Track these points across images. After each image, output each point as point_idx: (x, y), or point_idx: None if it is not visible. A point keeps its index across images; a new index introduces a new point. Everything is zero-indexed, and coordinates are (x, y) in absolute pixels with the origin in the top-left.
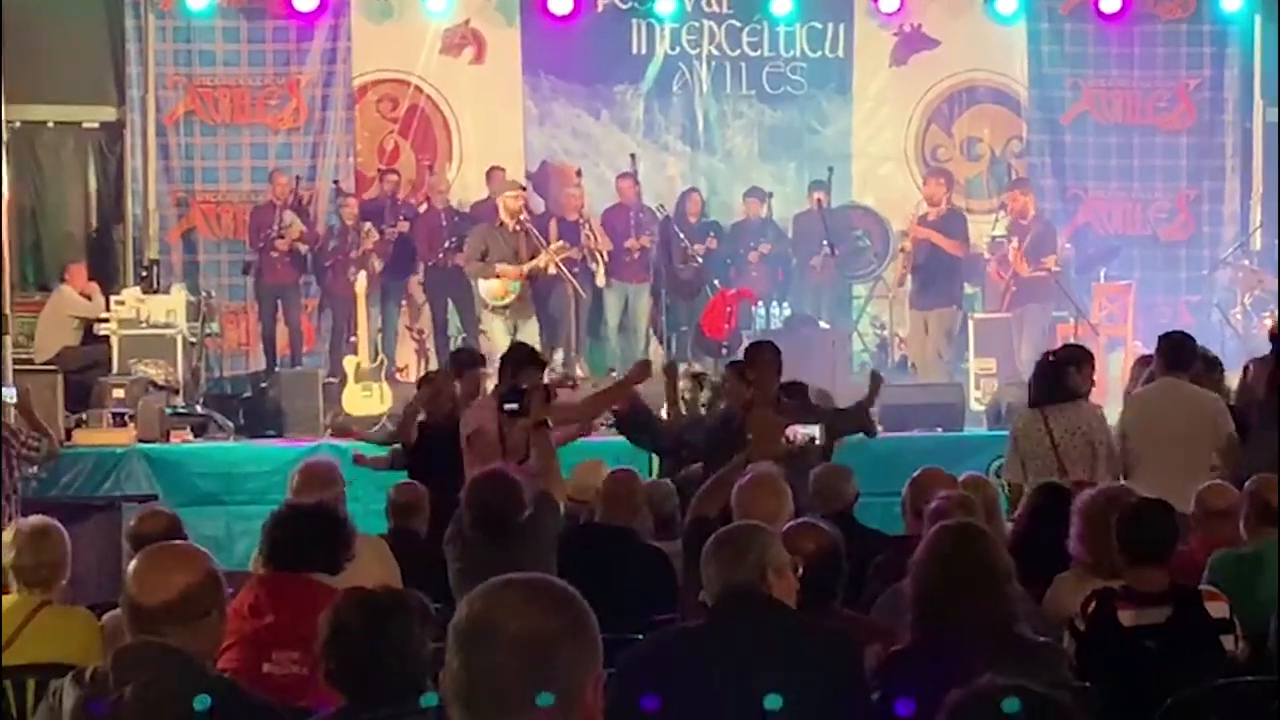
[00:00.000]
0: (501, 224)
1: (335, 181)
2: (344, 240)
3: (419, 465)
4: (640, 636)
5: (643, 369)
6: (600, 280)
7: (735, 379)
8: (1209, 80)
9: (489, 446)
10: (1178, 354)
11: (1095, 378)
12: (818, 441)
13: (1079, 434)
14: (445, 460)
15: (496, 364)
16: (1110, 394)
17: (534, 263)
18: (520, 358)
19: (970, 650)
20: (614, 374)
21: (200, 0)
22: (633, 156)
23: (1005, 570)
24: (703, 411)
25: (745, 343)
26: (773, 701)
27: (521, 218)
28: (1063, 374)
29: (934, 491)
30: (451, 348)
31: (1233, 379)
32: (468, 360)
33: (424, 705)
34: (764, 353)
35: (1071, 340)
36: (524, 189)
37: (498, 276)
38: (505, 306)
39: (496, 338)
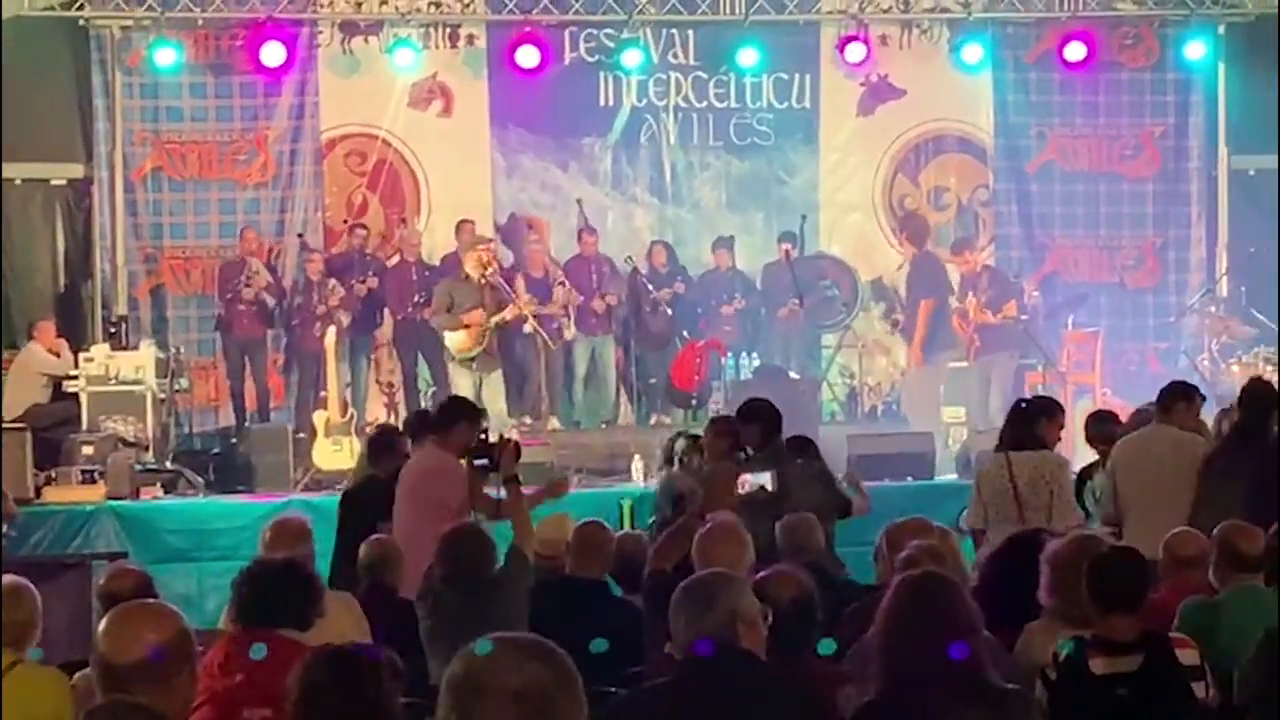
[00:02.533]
0: (467, 277)
1: (300, 235)
2: (310, 296)
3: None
4: (613, 690)
5: (560, 486)
6: (569, 333)
7: (714, 436)
8: (1173, 128)
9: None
10: (1159, 398)
11: (1064, 429)
12: (769, 489)
13: (1042, 482)
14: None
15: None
16: (1079, 442)
17: (502, 316)
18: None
19: (938, 699)
20: (581, 425)
21: (167, 57)
22: (579, 202)
23: (970, 619)
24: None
25: (714, 393)
26: None
27: (488, 272)
28: (1034, 423)
29: (906, 540)
30: (422, 401)
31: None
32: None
33: None
34: (738, 417)
35: (1040, 387)
36: (491, 242)
37: (465, 326)
38: (471, 359)
39: (462, 390)
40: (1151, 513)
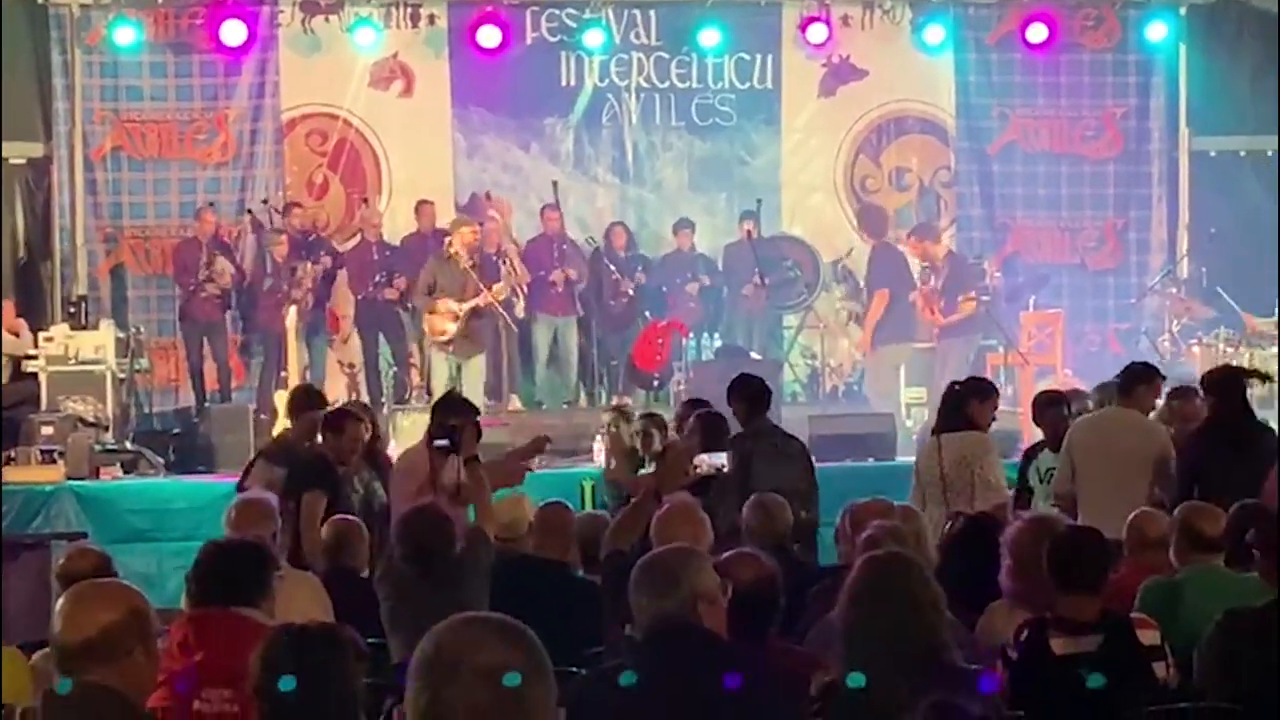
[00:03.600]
0: (452, 257)
1: (267, 202)
2: (273, 276)
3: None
4: (574, 669)
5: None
6: (520, 312)
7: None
8: (1135, 109)
9: (420, 484)
10: (1120, 381)
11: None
12: (725, 469)
13: (963, 463)
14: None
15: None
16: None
17: (476, 302)
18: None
19: (901, 680)
20: (543, 406)
21: (127, 35)
22: (555, 184)
23: (933, 599)
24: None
25: (676, 374)
26: None
27: (485, 250)
28: (963, 404)
29: (869, 521)
30: (383, 381)
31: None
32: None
33: None
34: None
35: (1002, 369)
36: (480, 225)
37: (439, 314)
38: (448, 343)
39: (439, 374)
40: (1109, 495)
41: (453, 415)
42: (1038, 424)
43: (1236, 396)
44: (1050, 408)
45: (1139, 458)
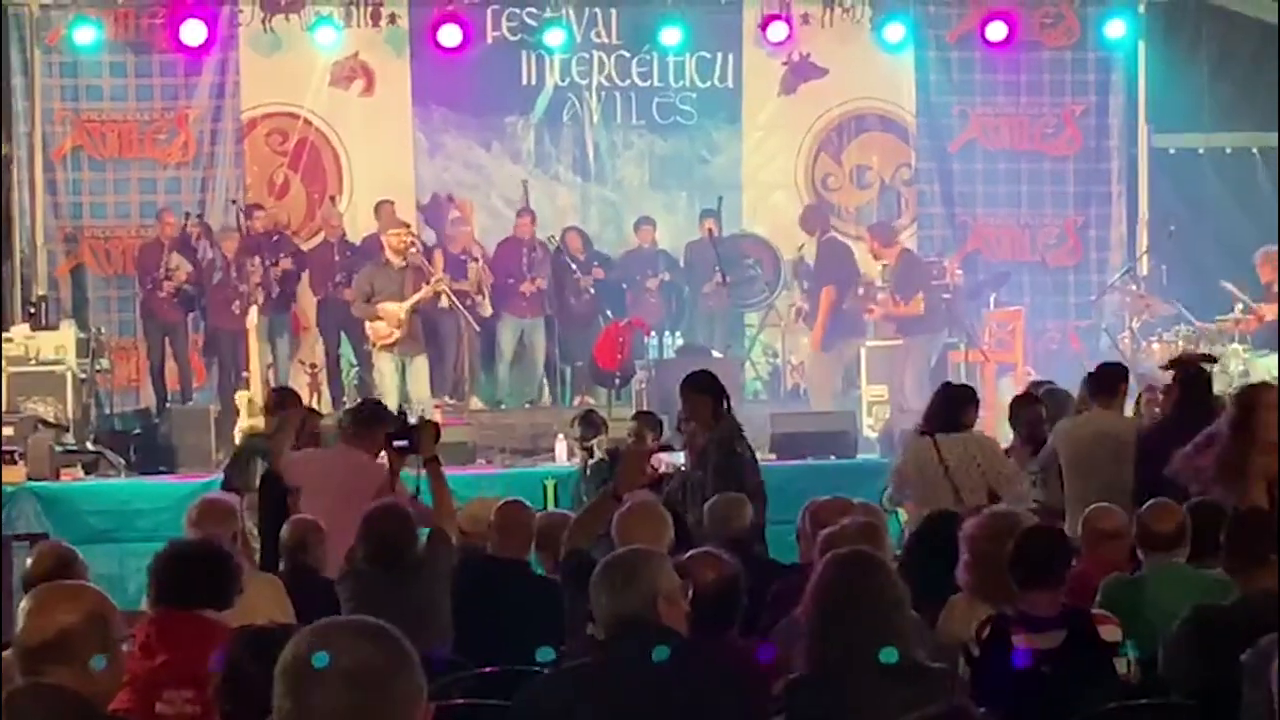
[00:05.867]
0: (388, 262)
1: (233, 202)
2: (229, 275)
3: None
4: (535, 668)
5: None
6: (485, 312)
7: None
8: (1094, 107)
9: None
10: (1099, 383)
11: (987, 404)
12: (683, 469)
13: (973, 462)
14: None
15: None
16: (999, 419)
17: (418, 296)
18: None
19: (865, 678)
20: (503, 406)
21: (87, 35)
22: (524, 184)
23: (898, 597)
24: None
25: (638, 372)
26: None
27: (410, 252)
28: (960, 409)
29: (829, 519)
30: (345, 381)
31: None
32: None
33: None
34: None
35: (963, 366)
36: (408, 226)
37: (379, 318)
38: (392, 344)
39: (386, 375)
40: (1086, 496)
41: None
42: (1014, 425)
43: (1202, 385)
44: (1028, 407)
45: (1127, 466)
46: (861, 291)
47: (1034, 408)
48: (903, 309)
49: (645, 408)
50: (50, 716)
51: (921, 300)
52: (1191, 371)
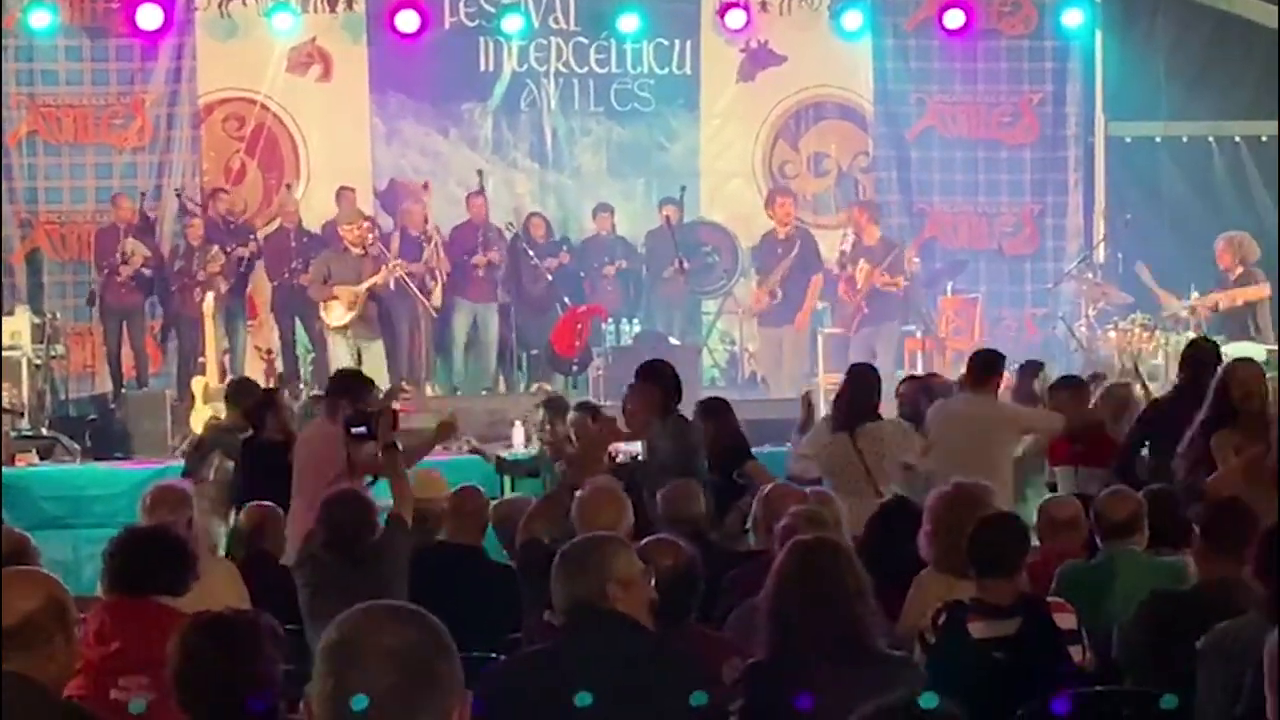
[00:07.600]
0: (346, 249)
1: (178, 191)
2: (189, 261)
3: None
4: (493, 655)
5: (447, 427)
6: (437, 299)
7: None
8: (1051, 95)
9: (335, 469)
10: (970, 367)
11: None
12: (640, 458)
13: (888, 456)
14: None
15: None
16: None
17: (373, 280)
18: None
19: (825, 664)
20: (458, 393)
21: (42, 19)
22: (480, 173)
23: (860, 584)
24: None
25: (595, 359)
26: None
27: (367, 241)
28: (874, 395)
29: (785, 507)
30: (301, 367)
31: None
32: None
33: None
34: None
35: (920, 354)
36: (366, 219)
37: (336, 298)
38: (345, 327)
39: (340, 359)
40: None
41: (360, 396)
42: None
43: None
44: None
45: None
46: (838, 271)
47: (916, 389)
48: (886, 280)
49: (602, 396)
50: (8, 702)
51: (902, 279)
52: (1203, 349)
